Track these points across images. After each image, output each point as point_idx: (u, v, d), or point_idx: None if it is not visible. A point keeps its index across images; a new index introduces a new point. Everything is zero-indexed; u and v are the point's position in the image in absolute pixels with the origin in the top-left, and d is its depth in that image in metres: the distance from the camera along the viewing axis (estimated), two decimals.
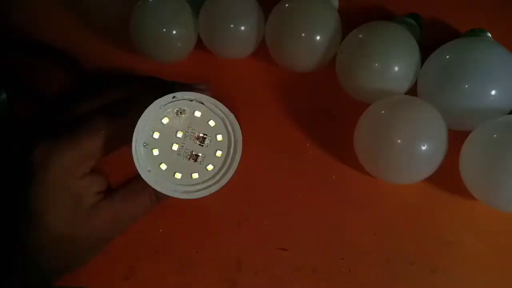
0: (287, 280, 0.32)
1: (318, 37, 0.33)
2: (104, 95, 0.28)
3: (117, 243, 0.31)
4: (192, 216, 0.34)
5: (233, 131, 0.26)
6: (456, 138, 0.31)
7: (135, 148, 0.25)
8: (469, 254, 0.32)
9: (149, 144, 0.26)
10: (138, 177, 0.26)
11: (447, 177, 0.32)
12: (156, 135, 0.26)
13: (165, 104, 0.26)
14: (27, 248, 0.26)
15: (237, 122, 0.26)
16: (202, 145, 0.26)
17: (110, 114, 0.26)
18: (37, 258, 0.27)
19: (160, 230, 0.34)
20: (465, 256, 0.32)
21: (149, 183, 0.26)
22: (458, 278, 0.31)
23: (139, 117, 0.25)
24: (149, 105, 0.25)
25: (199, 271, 0.32)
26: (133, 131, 0.25)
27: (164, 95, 0.26)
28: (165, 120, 0.26)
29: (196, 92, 0.27)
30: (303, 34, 0.33)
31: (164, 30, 0.35)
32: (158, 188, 0.26)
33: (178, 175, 0.26)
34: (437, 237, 0.32)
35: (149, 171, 0.26)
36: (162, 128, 0.26)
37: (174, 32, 0.35)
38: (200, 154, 0.27)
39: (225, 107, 0.26)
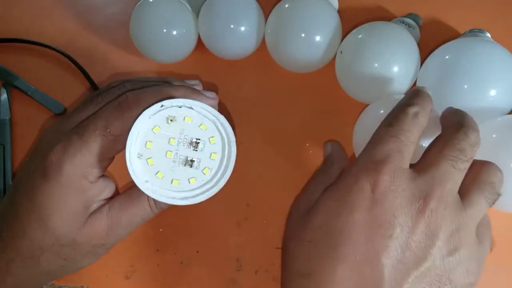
0: None
1: (318, 37, 0.33)
2: (107, 94, 0.28)
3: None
4: (192, 216, 0.34)
5: (226, 132, 0.26)
6: None
7: (130, 160, 0.25)
8: None
9: (143, 154, 0.26)
10: (135, 185, 0.26)
11: None
12: (149, 145, 0.26)
13: (155, 114, 0.26)
14: (31, 247, 0.26)
15: (228, 123, 0.26)
16: (196, 150, 0.26)
17: (113, 109, 0.26)
18: (37, 259, 0.27)
19: (160, 230, 0.34)
20: None
21: (147, 194, 0.26)
22: None
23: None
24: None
25: (199, 271, 0.33)
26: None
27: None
28: (156, 130, 0.26)
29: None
30: (303, 34, 0.33)
31: (164, 30, 0.35)
32: (156, 197, 0.26)
33: (175, 182, 0.26)
34: None
35: (146, 181, 0.26)
36: (154, 138, 0.26)
37: (174, 32, 0.35)
38: (195, 159, 0.26)
39: (214, 109, 0.26)
